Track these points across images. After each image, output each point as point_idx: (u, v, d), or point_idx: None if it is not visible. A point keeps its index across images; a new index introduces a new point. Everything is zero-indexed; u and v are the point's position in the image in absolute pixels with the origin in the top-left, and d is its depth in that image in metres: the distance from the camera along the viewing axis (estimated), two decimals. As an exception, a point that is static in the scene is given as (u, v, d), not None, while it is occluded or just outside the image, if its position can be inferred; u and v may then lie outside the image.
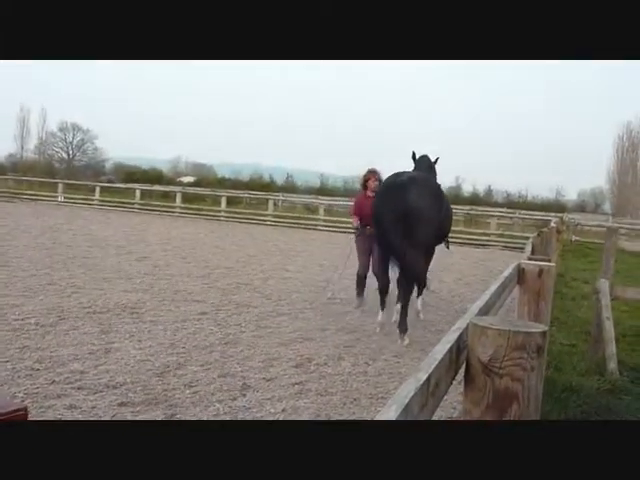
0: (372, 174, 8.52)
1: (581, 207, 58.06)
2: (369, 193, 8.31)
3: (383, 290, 7.54)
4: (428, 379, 1.28)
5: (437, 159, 8.39)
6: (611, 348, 5.86)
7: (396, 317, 7.29)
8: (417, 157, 8.27)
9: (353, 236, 8.89)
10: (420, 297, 8.31)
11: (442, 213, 7.38)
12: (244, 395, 4.75)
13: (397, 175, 7.21)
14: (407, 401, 1.13)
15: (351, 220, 9.21)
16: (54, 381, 4.69)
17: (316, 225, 24.21)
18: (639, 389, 5.30)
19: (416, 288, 7.83)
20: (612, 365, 5.72)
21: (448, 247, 8.87)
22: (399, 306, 7.16)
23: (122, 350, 5.64)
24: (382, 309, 7.33)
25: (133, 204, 27.98)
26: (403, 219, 6.67)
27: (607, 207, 57.92)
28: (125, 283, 9.06)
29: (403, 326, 6.85)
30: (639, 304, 9.04)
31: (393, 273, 7.36)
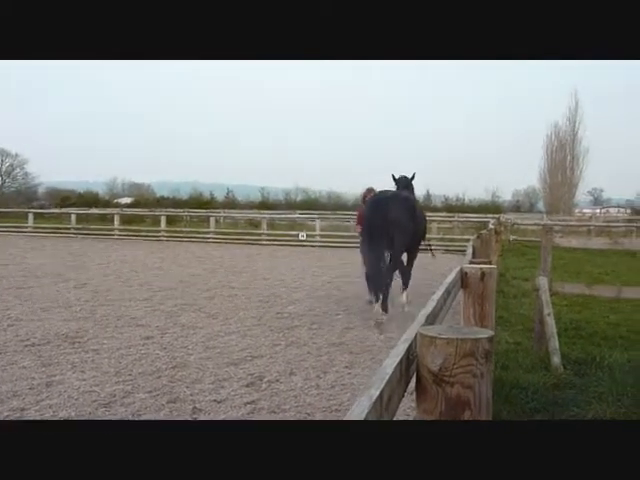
0: (369, 192, 10.17)
1: (516, 207, 59.84)
2: None
3: (376, 285, 8.69)
4: (381, 395, 1.27)
5: (414, 174, 10.26)
6: (554, 343, 6.01)
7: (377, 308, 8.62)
8: (397, 177, 10.14)
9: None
10: (405, 292, 9.68)
11: (416, 222, 9.19)
12: (195, 420, 4.64)
13: (382, 193, 9.38)
14: (362, 419, 1.11)
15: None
16: (-7, 421, 4.47)
17: (259, 240, 24.09)
18: (583, 382, 5.45)
19: (402, 283, 9.63)
20: (556, 360, 5.86)
21: (433, 255, 11.26)
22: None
23: (65, 382, 5.43)
24: (376, 301, 8.57)
25: (69, 229, 27.19)
26: (386, 227, 8.55)
27: (541, 206, 59.85)
28: (64, 312, 8.76)
29: (385, 306, 8.57)
30: (577, 298, 9.35)
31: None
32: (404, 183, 10.11)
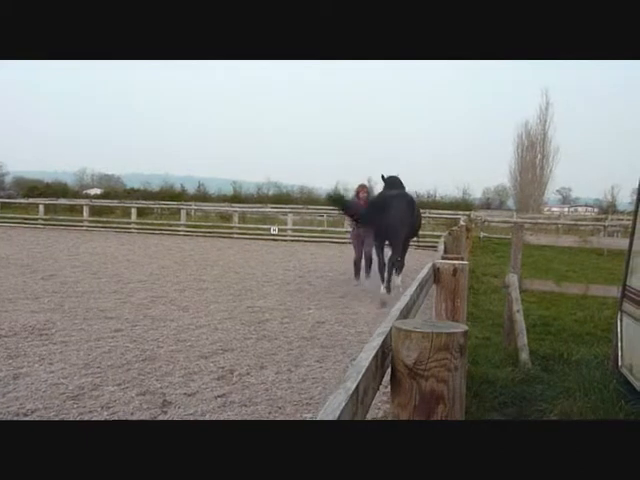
0: (362, 188, 11.55)
1: (487, 204, 60.55)
2: (360, 202, 11.06)
3: (382, 268, 10.25)
4: (357, 388, 1.27)
5: (398, 174, 11.31)
6: (522, 339, 6.10)
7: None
8: (387, 177, 11.04)
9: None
10: (400, 275, 10.94)
11: (414, 216, 10.56)
12: (165, 412, 4.60)
13: (386, 192, 10.59)
14: (339, 413, 1.11)
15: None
16: (-43, 413, 4.38)
17: (231, 233, 23.93)
18: (550, 377, 5.54)
19: (395, 269, 10.72)
20: (524, 355, 5.95)
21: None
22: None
23: (32, 375, 5.35)
24: (382, 281, 10.12)
25: (37, 219, 26.69)
26: (391, 222, 9.81)
27: (511, 203, 60.60)
28: (32, 303, 8.62)
29: (389, 289, 10.03)
30: (546, 295, 9.49)
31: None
32: (397, 182, 11.04)
